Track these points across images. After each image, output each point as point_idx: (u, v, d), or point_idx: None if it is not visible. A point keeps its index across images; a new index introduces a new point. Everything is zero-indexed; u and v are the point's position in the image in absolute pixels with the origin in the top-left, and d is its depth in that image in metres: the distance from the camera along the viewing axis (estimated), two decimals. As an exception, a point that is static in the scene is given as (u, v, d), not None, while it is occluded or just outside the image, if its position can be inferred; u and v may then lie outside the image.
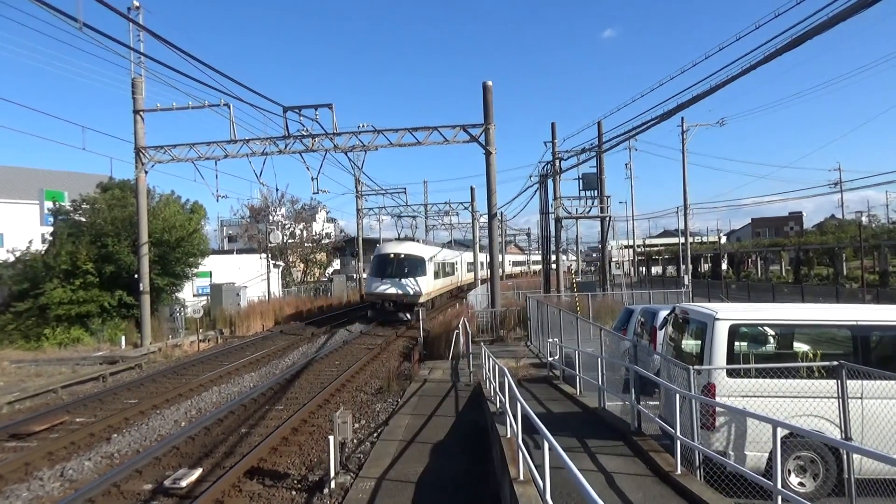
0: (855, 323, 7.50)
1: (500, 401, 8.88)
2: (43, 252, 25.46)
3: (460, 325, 18.43)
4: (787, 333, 7.92)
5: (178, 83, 30.83)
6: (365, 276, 37.50)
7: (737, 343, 7.47)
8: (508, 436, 7.56)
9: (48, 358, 20.32)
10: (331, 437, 8.52)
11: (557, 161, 29.78)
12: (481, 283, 39.44)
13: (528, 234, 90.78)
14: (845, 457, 6.45)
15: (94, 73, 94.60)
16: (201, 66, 9.90)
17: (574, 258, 56.87)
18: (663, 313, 11.92)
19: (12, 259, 25.58)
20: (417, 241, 41.59)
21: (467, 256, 48.49)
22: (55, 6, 8.76)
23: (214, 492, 8.13)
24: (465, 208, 50.19)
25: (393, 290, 29.13)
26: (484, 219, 35.21)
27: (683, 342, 8.76)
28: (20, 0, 19.26)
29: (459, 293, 42.42)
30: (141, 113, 23.54)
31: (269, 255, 39.27)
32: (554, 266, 33.19)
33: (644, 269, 71.32)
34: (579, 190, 30.79)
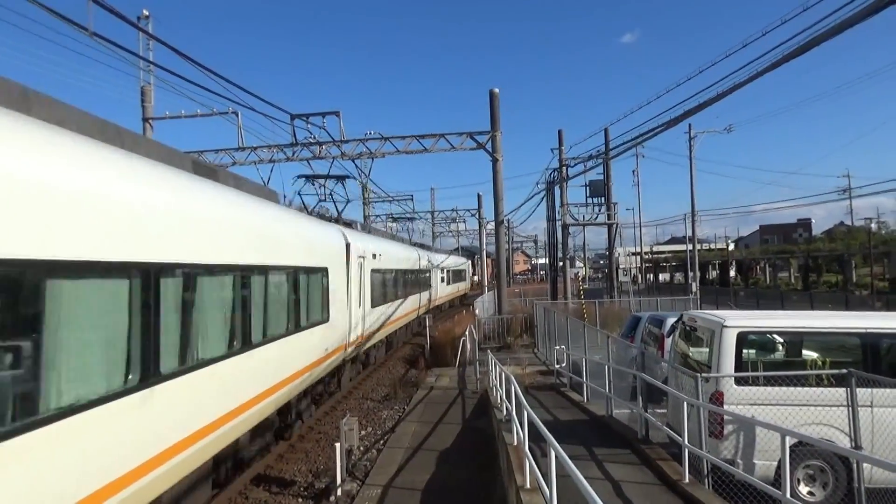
0: (864, 331, 7.44)
1: (507, 408, 8.85)
2: None
3: (467, 332, 18.42)
4: (795, 341, 7.85)
5: (187, 91, 31.00)
6: None
7: (745, 351, 7.42)
8: (515, 443, 7.53)
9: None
10: (337, 445, 8.53)
11: (564, 168, 29.75)
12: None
13: (535, 241, 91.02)
14: (855, 466, 6.39)
15: (104, 81, 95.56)
16: (210, 75, 9.98)
17: (581, 265, 56.76)
18: (671, 321, 11.89)
19: None
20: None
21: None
22: (65, 15, 8.87)
23: (221, 499, 8.13)
24: (472, 215, 50.32)
25: None
26: (491, 226, 35.18)
27: (691, 350, 8.72)
28: (30, 7, 19.46)
29: None
30: (150, 121, 23.67)
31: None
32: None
33: (651, 275, 71.02)
34: (586, 197, 30.77)
